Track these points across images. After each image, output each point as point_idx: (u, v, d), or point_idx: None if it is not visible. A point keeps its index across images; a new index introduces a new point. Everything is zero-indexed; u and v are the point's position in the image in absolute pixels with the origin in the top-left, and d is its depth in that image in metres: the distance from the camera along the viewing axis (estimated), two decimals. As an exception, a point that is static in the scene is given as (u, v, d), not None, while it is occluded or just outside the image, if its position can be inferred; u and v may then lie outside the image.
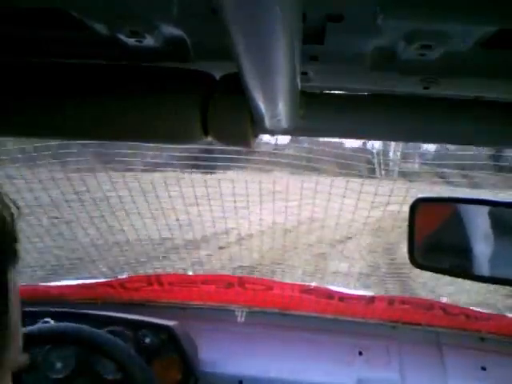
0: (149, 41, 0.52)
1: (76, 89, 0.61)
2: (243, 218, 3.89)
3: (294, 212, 3.73)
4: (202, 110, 0.60)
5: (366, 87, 0.69)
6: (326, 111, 0.70)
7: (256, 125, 0.63)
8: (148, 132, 0.63)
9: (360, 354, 1.50)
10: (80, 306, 1.51)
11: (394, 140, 0.84)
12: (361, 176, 3.89)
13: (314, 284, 1.62)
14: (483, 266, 0.98)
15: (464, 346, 1.48)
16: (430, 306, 1.50)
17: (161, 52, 0.57)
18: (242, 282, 1.57)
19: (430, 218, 1.02)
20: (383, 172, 4.55)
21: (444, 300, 1.62)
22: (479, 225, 1.01)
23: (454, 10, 0.42)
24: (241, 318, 1.57)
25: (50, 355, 1.35)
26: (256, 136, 0.69)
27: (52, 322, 1.31)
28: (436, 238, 1.06)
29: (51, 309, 1.42)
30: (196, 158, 3.66)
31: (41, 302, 1.53)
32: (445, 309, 1.48)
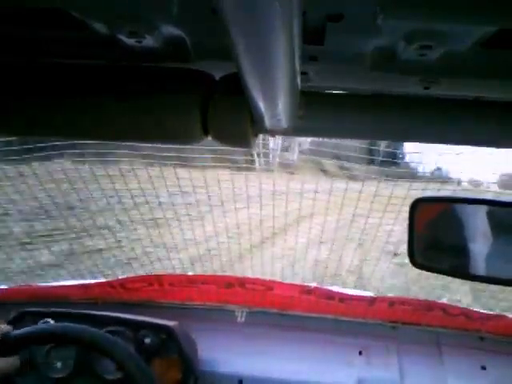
0: (149, 41, 0.52)
1: (76, 89, 0.61)
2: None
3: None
4: (202, 110, 0.60)
5: (366, 87, 0.69)
6: (326, 111, 0.70)
7: (256, 125, 0.63)
8: (148, 132, 0.63)
9: (360, 353, 1.50)
10: (80, 306, 1.51)
11: (393, 140, 0.83)
12: (239, 168, 3.75)
13: (314, 285, 1.62)
14: (483, 266, 0.98)
15: (464, 346, 1.48)
16: (429, 306, 1.50)
17: (161, 52, 0.57)
18: (241, 282, 1.57)
19: (430, 218, 1.02)
20: (263, 163, 4.38)
21: (444, 300, 1.62)
22: (479, 225, 1.01)
23: (454, 10, 0.42)
24: (241, 318, 1.57)
25: (50, 355, 1.35)
26: (256, 136, 0.69)
27: (52, 322, 1.31)
28: (436, 238, 1.06)
29: (51, 309, 1.42)
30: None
31: (41, 303, 1.53)
32: (445, 309, 1.48)
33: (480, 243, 0.99)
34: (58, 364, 1.35)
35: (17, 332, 1.13)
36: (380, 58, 0.55)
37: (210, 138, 0.65)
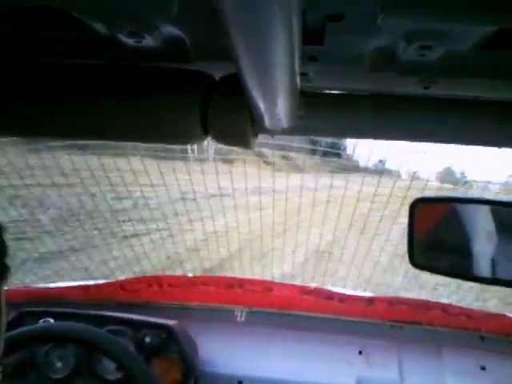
0: (148, 41, 0.52)
1: (76, 89, 0.61)
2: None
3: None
4: (202, 110, 0.60)
5: (366, 87, 0.69)
6: (326, 111, 0.70)
7: (256, 125, 0.63)
8: (148, 132, 0.63)
9: (360, 353, 1.50)
10: (80, 307, 1.51)
11: (393, 140, 0.84)
12: (173, 158, 3.67)
13: (313, 285, 1.62)
14: (483, 267, 0.98)
15: (464, 346, 1.48)
16: (429, 306, 1.50)
17: (160, 52, 0.57)
18: (241, 283, 1.57)
19: (430, 218, 1.02)
20: (197, 152, 4.21)
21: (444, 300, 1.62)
22: (479, 225, 1.01)
23: (454, 10, 0.42)
24: (240, 318, 1.57)
25: (50, 355, 1.35)
26: (256, 136, 0.69)
27: (52, 321, 1.31)
28: (436, 238, 1.06)
29: (51, 309, 1.42)
30: None
31: (41, 303, 1.53)
32: (444, 309, 1.48)
33: (481, 243, 0.99)
34: (58, 364, 1.35)
35: (17, 331, 1.13)
36: (380, 59, 0.55)
37: (209, 138, 0.65)
